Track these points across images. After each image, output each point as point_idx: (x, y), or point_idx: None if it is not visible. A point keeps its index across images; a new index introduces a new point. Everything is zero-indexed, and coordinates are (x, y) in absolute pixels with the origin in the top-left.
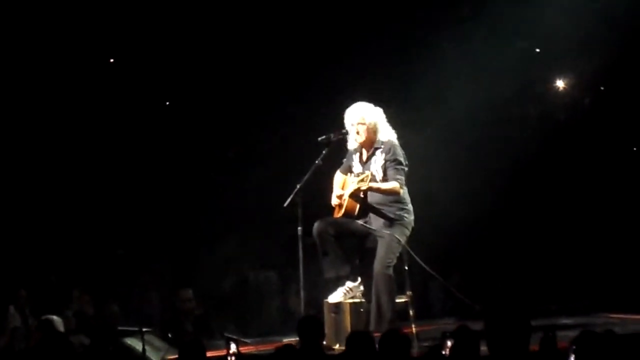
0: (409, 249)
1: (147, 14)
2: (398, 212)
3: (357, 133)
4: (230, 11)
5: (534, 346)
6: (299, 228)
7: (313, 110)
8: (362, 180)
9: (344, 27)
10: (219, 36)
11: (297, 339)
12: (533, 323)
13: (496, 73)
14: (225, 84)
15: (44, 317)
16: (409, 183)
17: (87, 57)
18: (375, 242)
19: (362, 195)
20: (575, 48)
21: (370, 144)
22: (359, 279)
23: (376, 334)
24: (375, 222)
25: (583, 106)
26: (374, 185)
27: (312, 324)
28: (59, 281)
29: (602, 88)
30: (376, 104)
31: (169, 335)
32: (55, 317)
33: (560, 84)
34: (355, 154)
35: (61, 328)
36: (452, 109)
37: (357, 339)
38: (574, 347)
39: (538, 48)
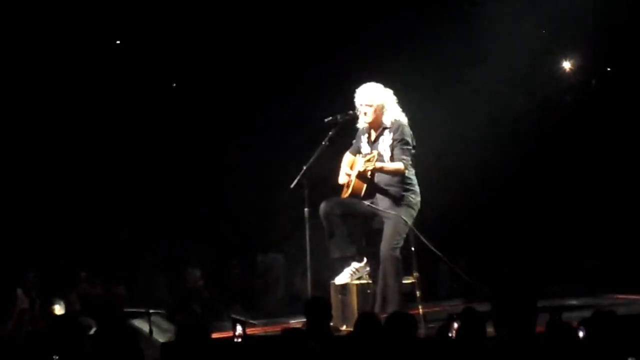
0: (415, 230)
1: None
2: (404, 193)
3: (365, 114)
4: None
5: (541, 327)
6: (306, 209)
7: (321, 91)
8: (368, 161)
9: (352, 8)
10: (226, 17)
11: (304, 320)
12: (539, 304)
13: (503, 53)
14: (232, 65)
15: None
16: (417, 165)
17: (94, 39)
18: (382, 223)
19: (368, 176)
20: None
21: (378, 125)
22: (365, 259)
23: (383, 316)
24: (381, 203)
25: (590, 87)
26: (378, 164)
27: (319, 305)
28: (66, 263)
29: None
30: (386, 84)
31: (177, 317)
32: (57, 307)
33: (566, 65)
34: (364, 134)
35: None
36: (458, 93)
37: (365, 322)
38: (583, 326)
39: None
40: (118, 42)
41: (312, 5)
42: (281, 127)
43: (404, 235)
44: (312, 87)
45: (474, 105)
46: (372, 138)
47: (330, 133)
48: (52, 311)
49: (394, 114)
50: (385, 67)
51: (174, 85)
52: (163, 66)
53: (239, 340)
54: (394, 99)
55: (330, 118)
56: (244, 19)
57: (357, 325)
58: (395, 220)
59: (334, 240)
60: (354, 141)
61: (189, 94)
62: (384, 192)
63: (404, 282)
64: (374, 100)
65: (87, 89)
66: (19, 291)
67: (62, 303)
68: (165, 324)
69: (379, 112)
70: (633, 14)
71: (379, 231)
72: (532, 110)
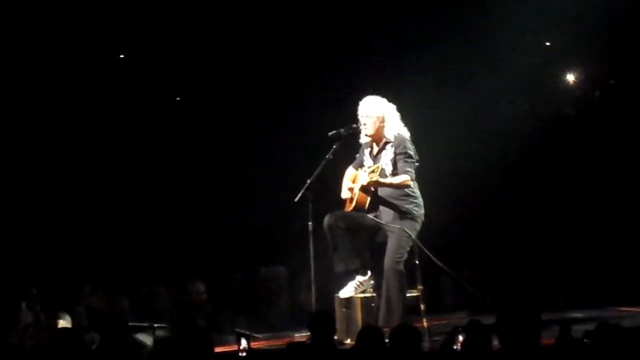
0: (419, 244)
1: (156, 10)
2: (408, 206)
3: (365, 125)
4: (239, 5)
5: (547, 340)
6: (310, 223)
7: (324, 105)
8: (372, 172)
9: (353, 20)
10: (229, 30)
11: (309, 333)
12: (544, 317)
13: (505, 67)
14: (236, 77)
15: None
16: (420, 178)
17: (98, 53)
18: (386, 236)
19: (372, 189)
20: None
21: (380, 138)
22: (369, 273)
23: (386, 329)
24: (385, 216)
25: (593, 99)
26: (384, 180)
27: (323, 318)
28: (68, 277)
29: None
30: (389, 95)
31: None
32: (62, 321)
33: (570, 77)
34: (366, 148)
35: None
36: (461, 103)
37: (368, 335)
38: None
39: (548, 42)
40: (122, 56)
41: (316, 17)
42: (285, 140)
43: (408, 249)
44: (316, 100)
45: (477, 115)
46: (375, 152)
47: (334, 146)
48: (56, 325)
49: (396, 128)
50: (388, 77)
51: (177, 98)
52: (167, 79)
53: (244, 354)
54: (397, 114)
55: (334, 132)
56: (247, 32)
57: (360, 338)
58: (399, 234)
59: (338, 253)
60: (357, 155)
61: (193, 107)
62: (388, 206)
63: (408, 295)
64: (374, 111)
65: (90, 102)
66: (23, 305)
67: (68, 317)
68: None
69: (380, 124)
70: (637, 26)
71: (383, 244)
72: (536, 120)
